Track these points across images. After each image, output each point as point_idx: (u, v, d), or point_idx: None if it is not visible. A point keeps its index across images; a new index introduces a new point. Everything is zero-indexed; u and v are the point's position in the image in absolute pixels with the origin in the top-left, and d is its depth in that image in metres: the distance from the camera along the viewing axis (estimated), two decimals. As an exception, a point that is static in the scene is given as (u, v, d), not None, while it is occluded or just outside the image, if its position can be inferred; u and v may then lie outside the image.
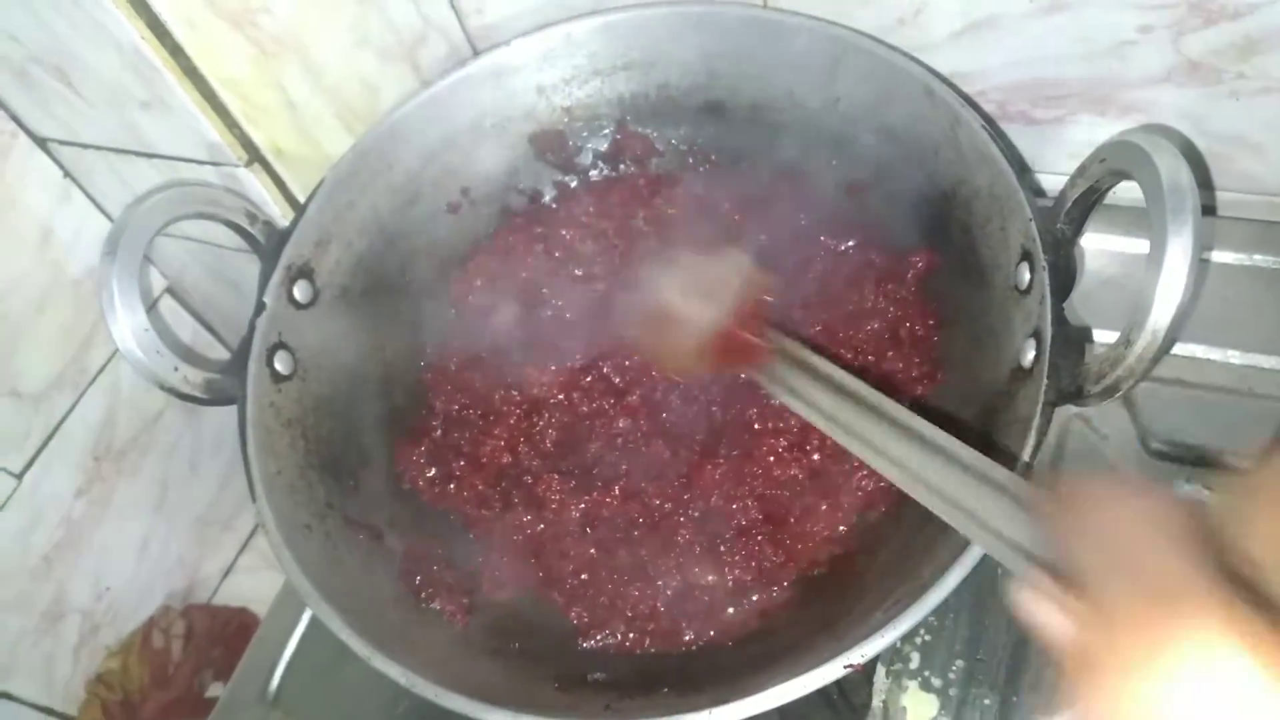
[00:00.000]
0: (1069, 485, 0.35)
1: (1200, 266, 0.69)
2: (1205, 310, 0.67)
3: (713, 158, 0.75)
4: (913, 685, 0.61)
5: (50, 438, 0.85)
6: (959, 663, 0.60)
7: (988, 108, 0.73)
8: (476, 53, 0.87)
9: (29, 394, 0.83)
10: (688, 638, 0.60)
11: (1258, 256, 0.69)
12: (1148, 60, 0.65)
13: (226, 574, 1.05)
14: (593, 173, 0.77)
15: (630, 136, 0.75)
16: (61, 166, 0.81)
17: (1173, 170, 0.41)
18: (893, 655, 0.61)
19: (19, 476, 0.83)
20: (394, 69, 0.79)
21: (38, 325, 0.82)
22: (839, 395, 0.49)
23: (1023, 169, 0.52)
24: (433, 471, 0.70)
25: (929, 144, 0.60)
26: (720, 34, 0.68)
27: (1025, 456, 0.47)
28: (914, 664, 0.61)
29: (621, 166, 0.77)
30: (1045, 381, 0.48)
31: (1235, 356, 0.67)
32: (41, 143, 0.79)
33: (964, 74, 0.72)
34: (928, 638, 0.61)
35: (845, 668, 0.45)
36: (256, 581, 1.05)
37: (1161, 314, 0.41)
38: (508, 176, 0.77)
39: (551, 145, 0.75)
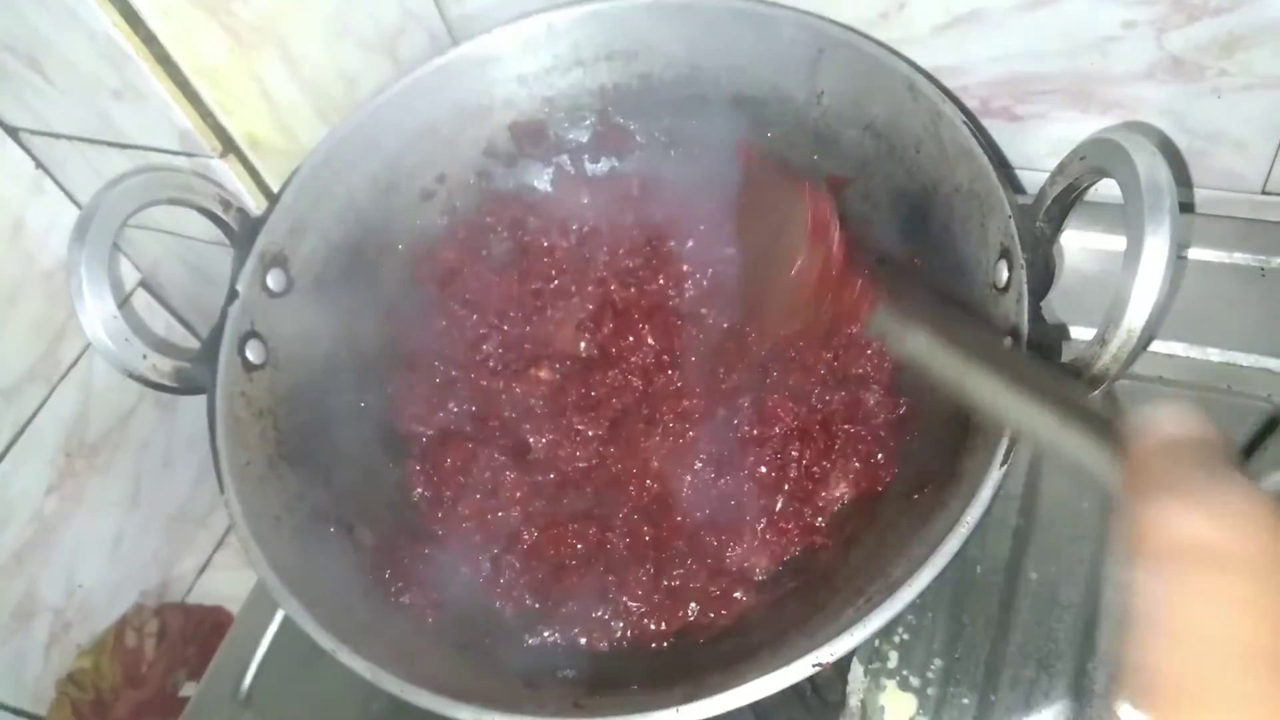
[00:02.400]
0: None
1: (1180, 264, 0.70)
2: (1185, 308, 0.67)
3: (695, 151, 0.74)
4: (891, 684, 0.60)
5: (21, 433, 0.84)
6: (937, 662, 0.60)
7: (970, 103, 0.73)
8: (457, 42, 0.87)
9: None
10: (658, 636, 0.60)
11: (1238, 255, 0.69)
12: (1131, 56, 0.65)
13: (201, 571, 1.04)
14: (572, 164, 0.76)
15: (612, 127, 0.75)
16: (33, 157, 0.80)
17: (1151, 169, 0.41)
18: (871, 654, 0.60)
19: (-12, 472, 0.82)
20: (373, 60, 0.79)
21: (9, 318, 0.81)
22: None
23: (1003, 166, 0.52)
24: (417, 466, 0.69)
25: (911, 139, 0.60)
26: (703, 25, 0.67)
27: (1000, 453, 0.47)
28: (892, 663, 0.61)
29: (603, 158, 0.76)
30: None
31: (1215, 354, 0.67)
32: (13, 132, 0.78)
33: (947, 69, 0.71)
34: (906, 637, 0.61)
35: (814, 666, 0.45)
36: (232, 579, 1.03)
37: (1137, 312, 0.41)
38: (486, 166, 0.76)
39: (531, 135, 0.75)
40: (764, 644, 0.50)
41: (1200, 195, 0.72)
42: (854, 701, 0.60)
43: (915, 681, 0.60)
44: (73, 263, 0.58)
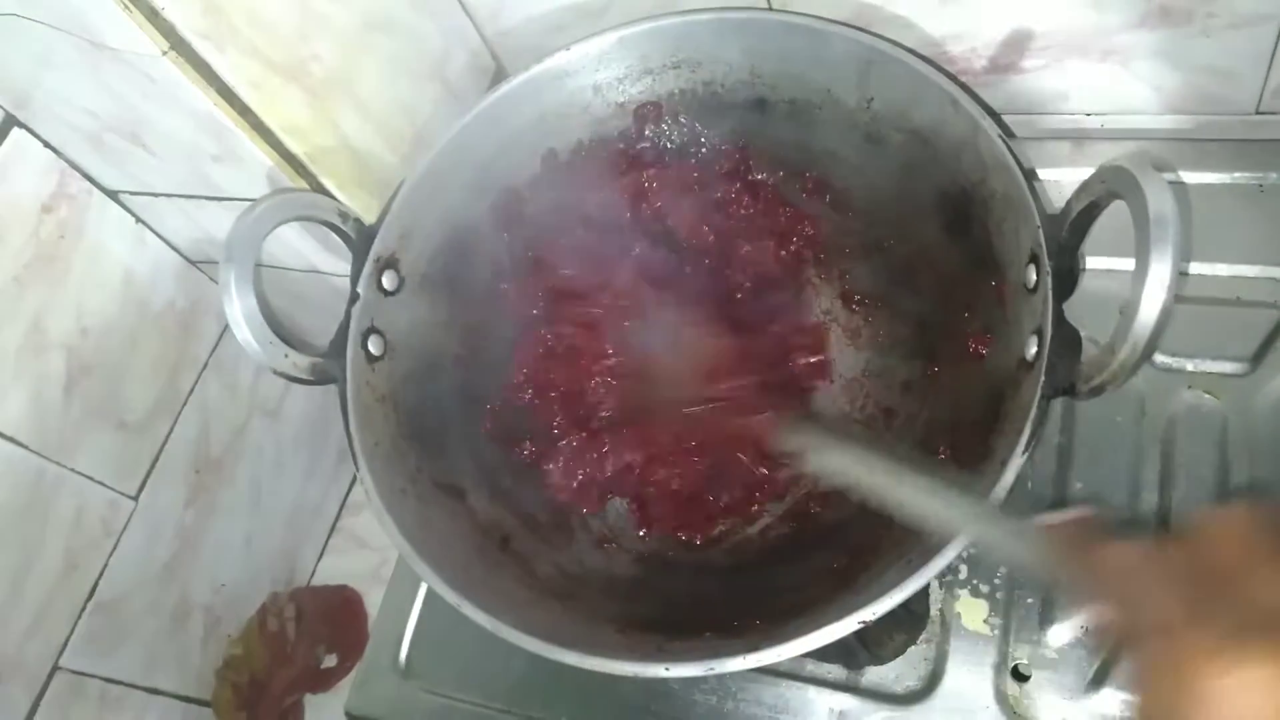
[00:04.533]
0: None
1: (1183, 188, 0.76)
2: (1193, 229, 0.74)
3: (759, 146, 0.80)
4: (964, 593, 0.70)
5: (157, 459, 0.93)
6: (1003, 569, 0.69)
7: (979, 63, 0.79)
8: (496, 57, 0.94)
9: (134, 423, 0.91)
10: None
11: (1236, 174, 0.76)
12: (1123, 9, 0.71)
13: (320, 557, 1.15)
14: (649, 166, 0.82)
15: (677, 127, 0.81)
16: (133, 214, 0.88)
17: (1159, 200, 0.44)
18: (944, 569, 0.70)
19: (135, 498, 0.92)
20: (426, 87, 0.86)
21: (132, 362, 0.90)
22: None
23: (1032, 178, 0.57)
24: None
25: (952, 147, 0.65)
26: (761, 38, 0.73)
27: (1022, 444, 0.52)
28: (963, 574, 0.70)
29: (668, 158, 0.82)
30: (1043, 377, 0.52)
31: (1223, 269, 0.74)
32: (113, 195, 0.86)
33: (956, 35, 0.78)
34: (973, 550, 0.70)
35: (860, 623, 0.51)
36: (348, 560, 1.14)
37: (1142, 328, 0.45)
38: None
39: (607, 139, 0.81)
40: (819, 601, 0.56)
41: (1197, 121, 0.78)
42: (934, 610, 0.70)
43: (984, 588, 0.69)
44: (224, 280, 0.64)
